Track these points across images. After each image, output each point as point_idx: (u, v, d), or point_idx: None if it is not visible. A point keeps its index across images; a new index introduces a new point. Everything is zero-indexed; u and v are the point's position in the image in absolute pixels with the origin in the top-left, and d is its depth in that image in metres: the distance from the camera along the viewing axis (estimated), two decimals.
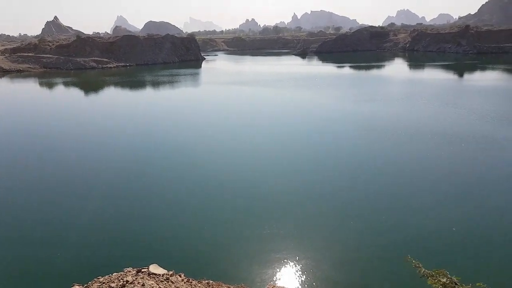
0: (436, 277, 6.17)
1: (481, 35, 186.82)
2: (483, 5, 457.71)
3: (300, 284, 19.50)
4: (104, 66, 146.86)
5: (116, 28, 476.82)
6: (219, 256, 21.88)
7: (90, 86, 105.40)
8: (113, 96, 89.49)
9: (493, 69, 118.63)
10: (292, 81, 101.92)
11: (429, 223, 24.73)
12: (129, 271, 10.67)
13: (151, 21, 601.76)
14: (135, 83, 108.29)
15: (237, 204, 28.55)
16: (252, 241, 23.45)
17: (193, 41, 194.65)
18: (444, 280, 6.01)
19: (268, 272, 20.36)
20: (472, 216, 25.61)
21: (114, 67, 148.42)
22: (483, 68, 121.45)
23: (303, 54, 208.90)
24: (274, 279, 19.72)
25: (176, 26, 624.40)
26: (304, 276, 20.06)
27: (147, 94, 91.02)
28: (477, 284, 5.76)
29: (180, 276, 10.20)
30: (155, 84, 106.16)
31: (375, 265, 20.65)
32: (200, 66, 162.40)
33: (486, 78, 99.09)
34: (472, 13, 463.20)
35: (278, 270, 20.69)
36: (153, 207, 28.35)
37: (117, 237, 24.10)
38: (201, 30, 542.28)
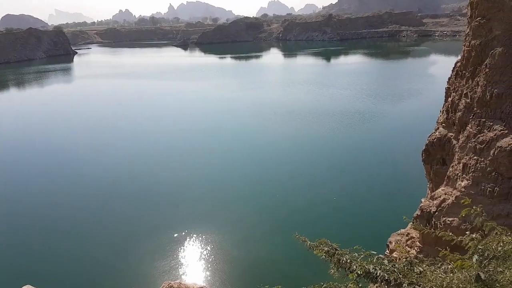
0: (320, 246, 6.93)
1: (342, 23, 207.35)
2: None
3: (201, 270, 20.07)
4: None
5: None
6: (105, 263, 20.69)
7: None
8: None
9: (355, 53, 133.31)
10: (177, 72, 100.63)
11: (315, 195, 27.56)
12: None
13: (8, 14, 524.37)
14: None
15: (122, 200, 27.79)
16: (140, 239, 22.78)
17: (61, 34, 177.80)
18: (327, 248, 6.79)
19: (164, 268, 20.04)
20: (349, 185, 29.26)
21: None
22: (346, 53, 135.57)
23: (184, 45, 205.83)
24: (172, 274, 19.52)
25: (40, 19, 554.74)
26: (205, 260, 20.75)
27: (13, 96, 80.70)
28: (354, 247, 6.33)
29: None
30: (21, 83, 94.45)
31: (270, 239, 22.48)
32: (72, 61, 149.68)
33: (353, 62, 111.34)
34: (334, 2, 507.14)
35: (176, 263, 20.66)
36: (22, 225, 25.76)
37: None
38: (69, 22, 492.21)
